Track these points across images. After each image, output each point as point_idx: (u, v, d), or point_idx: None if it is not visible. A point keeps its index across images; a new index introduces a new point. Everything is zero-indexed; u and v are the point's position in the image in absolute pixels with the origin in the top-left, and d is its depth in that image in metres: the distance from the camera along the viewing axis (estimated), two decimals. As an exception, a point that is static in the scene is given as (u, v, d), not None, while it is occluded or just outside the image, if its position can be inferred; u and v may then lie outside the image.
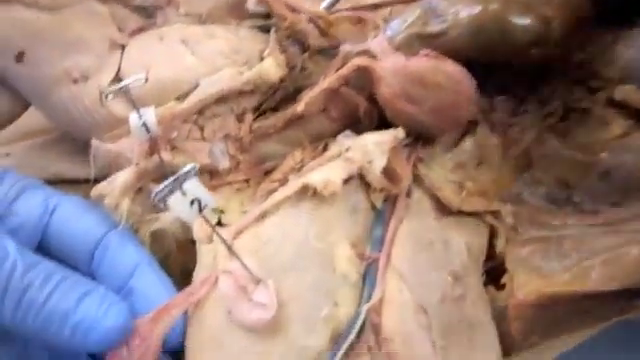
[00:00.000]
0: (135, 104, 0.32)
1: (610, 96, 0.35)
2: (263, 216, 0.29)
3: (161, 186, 0.25)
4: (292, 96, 0.36)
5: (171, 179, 0.25)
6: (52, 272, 0.27)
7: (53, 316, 0.26)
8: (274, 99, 0.36)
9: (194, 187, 0.25)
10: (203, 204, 0.25)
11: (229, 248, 0.27)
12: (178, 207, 0.25)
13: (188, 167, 0.25)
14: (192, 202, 0.25)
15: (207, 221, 0.26)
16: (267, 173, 0.36)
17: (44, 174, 0.40)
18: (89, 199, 0.33)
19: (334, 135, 0.35)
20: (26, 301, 0.26)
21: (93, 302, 0.26)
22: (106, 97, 0.32)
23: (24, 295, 0.26)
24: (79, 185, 0.40)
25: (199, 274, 0.30)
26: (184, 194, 0.25)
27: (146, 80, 0.32)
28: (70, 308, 0.26)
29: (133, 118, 0.32)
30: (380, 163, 0.29)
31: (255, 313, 0.26)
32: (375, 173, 0.29)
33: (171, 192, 0.25)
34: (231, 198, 0.35)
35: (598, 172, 0.34)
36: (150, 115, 0.32)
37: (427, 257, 0.28)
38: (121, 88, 0.32)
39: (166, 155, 0.34)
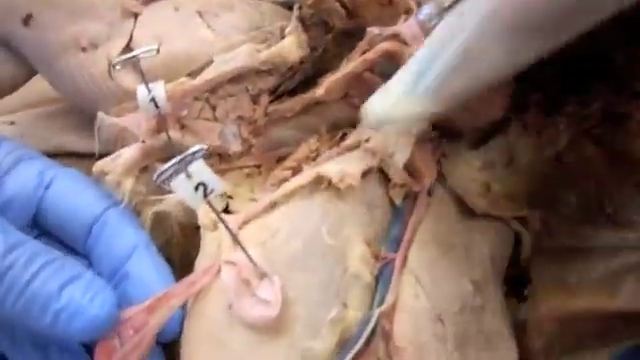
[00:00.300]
0: (144, 77, 0.30)
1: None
2: (273, 206, 0.27)
3: (165, 166, 0.23)
4: (312, 79, 0.34)
5: (176, 159, 0.23)
6: (37, 253, 0.25)
7: (35, 300, 0.24)
8: (292, 81, 0.34)
9: (200, 170, 0.23)
10: (209, 189, 0.23)
11: (234, 237, 0.25)
12: (182, 190, 0.23)
13: (196, 148, 0.23)
14: (197, 186, 0.23)
15: (212, 207, 0.24)
16: (280, 160, 0.34)
17: (47, 145, 0.38)
18: (91, 174, 0.32)
19: (354, 124, 0.33)
20: (7, 282, 0.24)
21: (78, 288, 0.25)
22: (114, 67, 0.30)
23: (5, 276, 0.24)
24: (82, 159, 0.38)
25: (201, 262, 0.28)
26: (189, 177, 0.23)
27: (157, 52, 0.30)
28: (53, 293, 0.25)
29: (141, 92, 0.30)
30: (402, 157, 0.27)
31: (258, 310, 0.24)
32: (396, 167, 0.27)
33: (176, 173, 0.23)
34: (240, 183, 0.33)
35: (635, 182, 0.32)
36: (159, 90, 0.30)
37: (447, 262, 0.26)
38: (131, 59, 0.30)
39: (174, 134, 0.32)
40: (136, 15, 0.33)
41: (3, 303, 0.24)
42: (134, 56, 0.30)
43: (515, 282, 0.29)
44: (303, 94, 0.33)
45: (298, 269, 0.25)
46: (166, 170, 0.23)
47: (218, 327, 0.25)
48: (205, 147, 0.23)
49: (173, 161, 0.23)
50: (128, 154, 0.31)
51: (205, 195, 0.23)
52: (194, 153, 0.23)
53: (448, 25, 0.23)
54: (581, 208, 0.32)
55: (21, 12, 0.32)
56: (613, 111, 0.33)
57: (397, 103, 0.24)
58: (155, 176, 0.23)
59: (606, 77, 0.33)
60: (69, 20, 0.33)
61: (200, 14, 0.33)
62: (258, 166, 0.34)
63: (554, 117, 0.32)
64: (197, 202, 0.24)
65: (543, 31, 0.21)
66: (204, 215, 0.29)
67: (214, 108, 0.33)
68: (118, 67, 0.30)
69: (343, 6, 0.31)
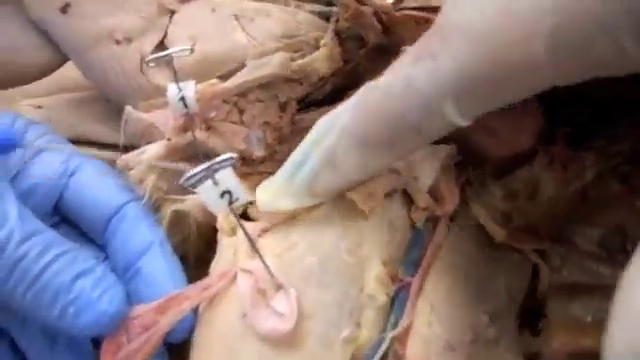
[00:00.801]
0: (176, 76, 0.30)
1: (683, 143, 0.32)
2: (293, 217, 0.27)
3: (194, 171, 0.23)
4: (340, 91, 0.34)
5: (205, 165, 0.23)
6: (51, 244, 0.25)
7: (45, 291, 0.25)
8: (321, 91, 0.34)
9: (228, 178, 0.23)
10: (234, 197, 0.23)
11: (254, 247, 0.25)
12: (207, 196, 0.23)
13: (226, 156, 0.23)
14: (223, 194, 0.23)
15: (235, 216, 0.24)
16: (302, 168, 0.34)
17: (72, 132, 0.39)
18: (113, 165, 0.32)
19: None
20: (19, 271, 0.25)
21: (88, 283, 0.25)
22: (147, 64, 0.30)
23: (17, 265, 0.24)
24: (105, 149, 0.39)
25: (217, 267, 0.28)
26: (216, 184, 0.23)
27: (192, 52, 0.31)
28: (63, 285, 0.25)
29: (172, 91, 0.30)
30: (428, 180, 0.27)
31: (272, 322, 0.24)
32: (421, 190, 0.27)
33: (203, 179, 0.23)
34: (260, 189, 0.33)
35: (657, 223, 0.31)
36: (190, 90, 0.30)
37: (463, 291, 0.26)
38: (164, 57, 0.31)
39: (200, 134, 0.32)
40: (172, 12, 0.34)
41: (14, 291, 0.25)
42: (168, 54, 0.30)
43: (529, 315, 0.29)
44: (331, 105, 0.33)
45: (313, 284, 0.25)
46: (194, 175, 0.23)
47: (230, 335, 0.25)
48: (234, 156, 0.23)
49: (202, 166, 0.23)
50: (153, 151, 0.31)
51: (230, 203, 0.24)
52: (223, 161, 0.23)
53: (328, 119, 0.25)
54: (601, 245, 0.32)
55: (60, 0, 0.32)
56: (641, 150, 0.32)
57: (276, 194, 0.26)
58: (183, 179, 0.23)
59: (636, 115, 0.33)
60: (106, 12, 0.33)
61: (236, 17, 0.33)
62: (280, 172, 0.34)
63: (581, 152, 0.32)
64: (221, 209, 0.24)
65: (388, 147, 0.23)
66: (223, 220, 0.29)
67: (242, 112, 0.33)
68: (151, 64, 0.30)
69: (379, 22, 0.31)
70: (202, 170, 0.23)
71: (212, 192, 0.23)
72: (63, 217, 0.31)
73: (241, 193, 0.24)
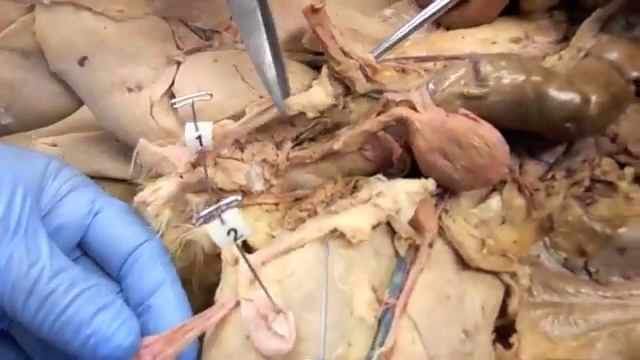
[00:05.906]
0: (195, 117, 0.33)
1: (637, 173, 0.36)
2: (291, 248, 0.30)
3: (204, 212, 0.26)
4: (330, 129, 0.37)
5: (213, 207, 0.26)
6: (76, 280, 0.28)
7: (68, 325, 0.27)
8: (313, 131, 0.37)
9: (233, 218, 0.26)
10: (239, 234, 0.27)
11: (257, 278, 0.28)
12: (215, 233, 0.26)
13: (231, 198, 0.26)
14: (229, 231, 0.26)
15: (240, 251, 0.27)
16: (297, 200, 0.37)
17: (85, 168, 0.42)
18: (125, 198, 0.35)
19: (366, 174, 0.36)
20: (47, 306, 0.27)
21: (107, 317, 0.28)
22: (172, 106, 0.34)
23: (46, 300, 0.27)
24: (117, 184, 0.42)
25: (222, 293, 0.31)
26: (223, 223, 0.26)
27: (211, 96, 0.34)
28: (85, 320, 0.27)
29: (189, 129, 0.33)
30: (408, 213, 0.31)
31: (273, 343, 0.27)
32: (402, 222, 0.30)
33: (212, 218, 0.26)
34: (259, 218, 0.37)
35: (615, 246, 0.35)
36: (207, 130, 0.33)
37: (443, 311, 0.29)
38: (180, 101, 0.34)
39: (209, 170, 0.35)
40: (179, 63, 0.37)
41: (43, 323, 0.28)
42: (189, 98, 0.34)
43: (503, 329, 0.32)
44: (322, 142, 0.37)
45: (310, 308, 0.28)
46: (204, 215, 0.26)
47: (236, 356, 0.28)
48: (239, 198, 0.26)
49: (211, 208, 0.26)
50: (168, 189, 0.34)
51: (235, 239, 0.27)
52: (229, 202, 0.26)
53: None
54: (566, 266, 0.35)
55: (78, 54, 0.36)
56: (600, 179, 0.36)
57: None
58: (194, 219, 0.26)
59: (594, 148, 0.37)
60: (119, 63, 0.36)
61: (236, 68, 0.36)
62: (276, 204, 0.38)
63: (547, 181, 0.36)
64: (227, 244, 0.27)
65: None
66: (226, 251, 0.32)
67: (242, 150, 0.36)
68: (175, 106, 0.34)
69: (363, 73, 0.35)
70: (211, 211, 0.26)
71: (220, 230, 0.26)
72: (83, 251, 0.34)
73: (246, 230, 0.27)
